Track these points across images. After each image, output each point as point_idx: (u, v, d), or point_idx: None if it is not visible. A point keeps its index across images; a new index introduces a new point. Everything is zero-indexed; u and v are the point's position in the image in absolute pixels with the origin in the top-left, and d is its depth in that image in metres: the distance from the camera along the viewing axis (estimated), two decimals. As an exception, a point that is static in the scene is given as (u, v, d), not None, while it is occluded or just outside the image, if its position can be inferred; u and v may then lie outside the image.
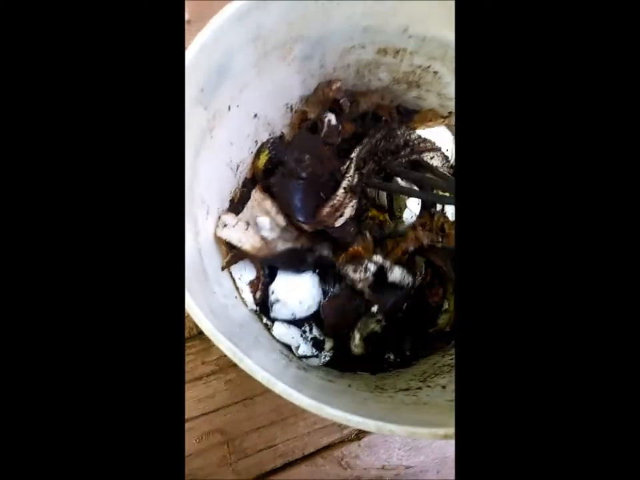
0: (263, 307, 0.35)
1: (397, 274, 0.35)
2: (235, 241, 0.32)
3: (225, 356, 0.45)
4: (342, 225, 0.35)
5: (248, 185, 0.39)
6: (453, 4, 0.21)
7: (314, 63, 0.36)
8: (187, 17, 0.57)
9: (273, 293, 0.34)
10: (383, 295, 0.35)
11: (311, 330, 0.35)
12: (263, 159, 0.39)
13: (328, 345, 0.35)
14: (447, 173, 0.39)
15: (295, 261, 0.34)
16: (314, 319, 0.36)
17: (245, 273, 0.34)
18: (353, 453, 0.43)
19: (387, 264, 0.35)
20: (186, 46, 0.58)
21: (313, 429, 0.43)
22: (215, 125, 0.31)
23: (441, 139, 0.41)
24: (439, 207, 0.39)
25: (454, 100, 0.39)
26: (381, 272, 0.35)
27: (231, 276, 0.34)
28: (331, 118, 0.38)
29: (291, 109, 0.40)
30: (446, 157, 0.41)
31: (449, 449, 0.42)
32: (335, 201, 0.36)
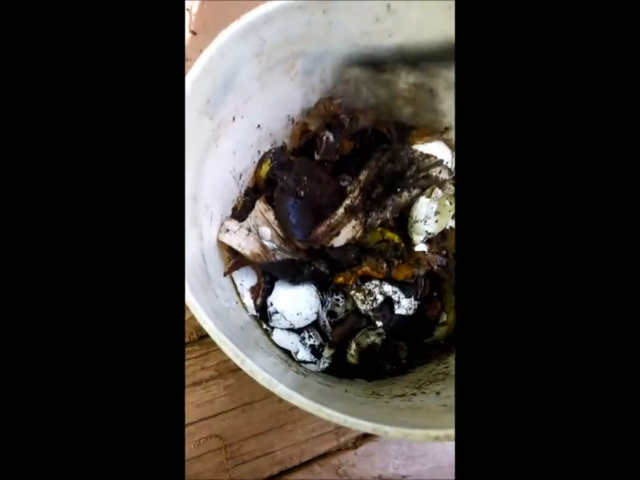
0: (263, 313, 0.36)
1: (404, 306, 0.35)
2: (235, 246, 0.33)
3: (225, 362, 0.46)
4: (342, 246, 0.35)
5: (250, 193, 0.40)
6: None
7: (315, 77, 0.37)
8: (192, 28, 0.59)
9: (271, 304, 0.35)
10: (388, 317, 0.35)
11: (310, 337, 0.36)
12: (265, 168, 0.40)
13: (327, 352, 0.36)
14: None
15: (291, 271, 0.35)
16: (313, 325, 0.37)
17: (247, 279, 0.35)
18: (350, 461, 0.43)
19: (396, 296, 0.35)
20: (191, 57, 0.60)
21: (310, 436, 0.43)
22: (220, 135, 0.32)
23: (439, 153, 0.42)
24: (451, 223, 0.40)
25: (448, 116, 0.41)
26: (389, 302, 0.36)
27: (233, 282, 0.35)
28: (329, 135, 0.40)
29: (293, 121, 0.41)
30: (450, 170, 0.42)
31: (444, 458, 0.43)
32: (332, 220, 0.36)
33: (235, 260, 0.34)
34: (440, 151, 0.42)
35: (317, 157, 0.39)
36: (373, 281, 0.36)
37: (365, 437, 0.44)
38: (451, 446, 0.42)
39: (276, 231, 0.35)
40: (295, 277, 0.35)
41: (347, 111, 0.41)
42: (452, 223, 0.39)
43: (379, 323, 0.36)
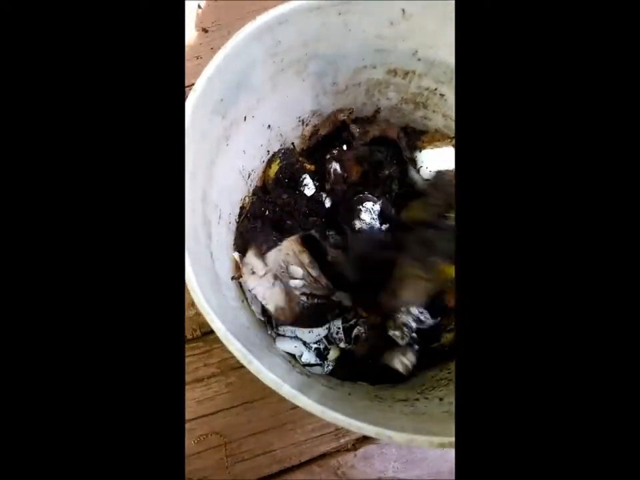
0: (269, 319, 0.36)
1: (429, 323, 0.35)
2: (260, 297, 0.33)
3: (227, 359, 0.46)
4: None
5: (258, 192, 0.41)
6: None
7: (327, 80, 0.37)
8: (203, 26, 0.59)
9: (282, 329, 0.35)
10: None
11: (316, 341, 0.36)
12: (275, 168, 0.40)
13: (332, 354, 0.36)
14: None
15: (316, 321, 0.35)
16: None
17: (256, 287, 0.35)
18: (349, 462, 0.43)
19: (423, 316, 0.35)
20: (202, 54, 0.59)
21: (310, 436, 0.44)
22: (231, 134, 0.32)
23: (449, 159, 0.42)
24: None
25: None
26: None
27: (240, 285, 0.35)
28: (336, 167, 0.40)
29: (303, 122, 0.41)
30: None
31: (444, 463, 0.43)
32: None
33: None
34: (450, 156, 0.42)
35: (327, 186, 0.39)
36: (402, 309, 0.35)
37: (365, 439, 0.44)
38: (451, 452, 0.42)
39: (308, 272, 0.34)
40: (318, 324, 0.35)
41: (357, 122, 0.42)
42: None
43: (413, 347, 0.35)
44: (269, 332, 0.36)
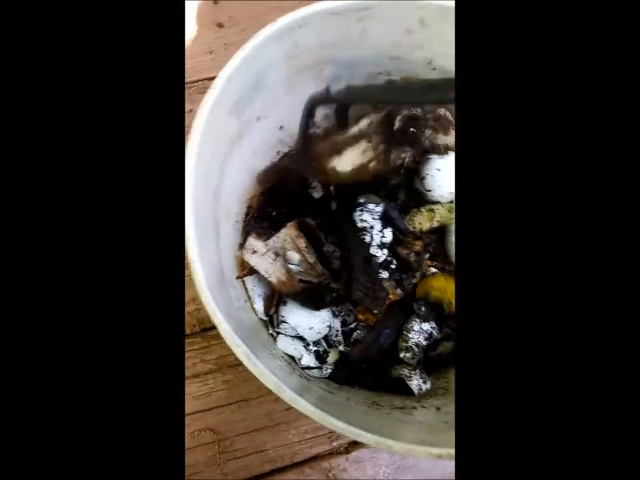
0: (270, 318, 0.36)
1: (435, 337, 0.35)
2: (262, 271, 0.33)
3: (224, 356, 0.46)
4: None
5: (265, 193, 0.41)
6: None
7: (341, 83, 0.37)
8: (220, 20, 0.59)
9: (283, 318, 0.35)
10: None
11: (315, 343, 0.36)
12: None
13: (331, 358, 0.36)
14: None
15: (313, 299, 0.35)
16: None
17: (258, 285, 0.35)
18: (341, 465, 0.43)
19: (435, 332, 0.35)
20: (215, 50, 0.59)
21: (303, 438, 0.44)
22: (244, 134, 0.32)
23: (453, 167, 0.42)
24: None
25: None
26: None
27: (244, 284, 0.35)
28: None
29: (314, 125, 0.41)
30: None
31: (436, 470, 0.43)
32: (339, 138, 0.33)
33: (250, 266, 0.34)
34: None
35: (334, 191, 0.39)
36: (415, 328, 0.35)
37: (357, 443, 0.44)
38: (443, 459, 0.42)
39: (304, 257, 0.35)
40: (316, 305, 0.35)
41: None
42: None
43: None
44: (270, 331, 0.36)
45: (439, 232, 0.40)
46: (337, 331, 0.36)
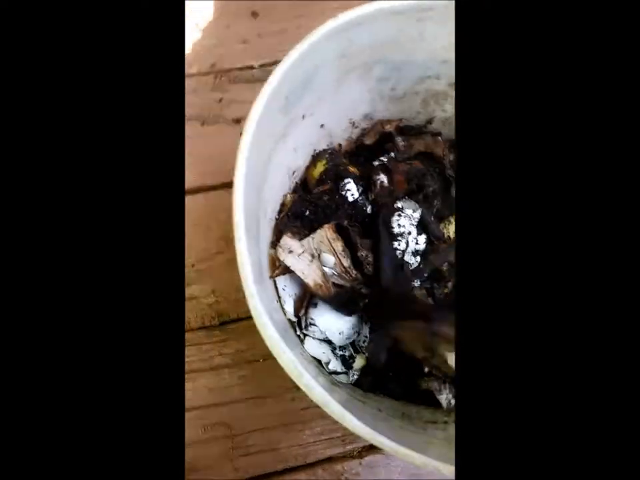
0: (298, 320, 0.35)
1: None
2: (299, 272, 0.33)
3: (242, 351, 0.46)
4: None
5: (299, 190, 0.40)
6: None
7: (387, 85, 0.37)
8: (255, 9, 0.58)
9: (312, 320, 0.34)
10: None
11: (341, 347, 0.35)
12: (320, 167, 0.39)
13: (357, 363, 0.35)
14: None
15: (347, 303, 0.35)
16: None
17: (289, 285, 0.35)
18: (354, 469, 0.43)
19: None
20: (248, 40, 0.58)
21: (318, 439, 0.43)
22: (289, 132, 0.31)
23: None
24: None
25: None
26: None
27: (275, 283, 0.34)
28: (383, 179, 0.39)
29: (353, 124, 0.40)
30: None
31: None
32: None
33: (282, 266, 0.33)
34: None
35: (371, 196, 0.38)
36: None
37: (372, 448, 0.44)
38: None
39: (340, 261, 0.34)
40: (349, 309, 0.34)
41: (402, 133, 0.41)
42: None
43: None
44: (297, 332, 0.35)
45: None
46: (365, 337, 0.36)
